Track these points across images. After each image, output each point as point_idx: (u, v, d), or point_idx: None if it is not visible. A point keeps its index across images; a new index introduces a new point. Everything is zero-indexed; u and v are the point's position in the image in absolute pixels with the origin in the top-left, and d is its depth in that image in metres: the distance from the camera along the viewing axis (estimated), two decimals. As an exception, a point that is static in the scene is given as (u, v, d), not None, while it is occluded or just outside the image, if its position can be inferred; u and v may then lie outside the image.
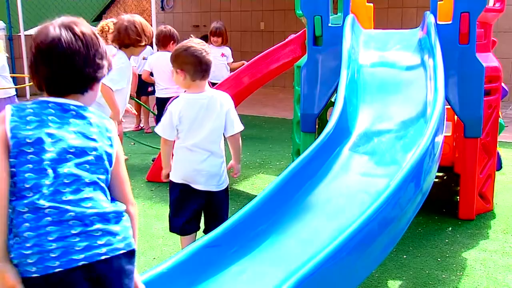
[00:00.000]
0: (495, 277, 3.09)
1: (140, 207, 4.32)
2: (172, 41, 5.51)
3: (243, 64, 5.72)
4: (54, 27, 1.58)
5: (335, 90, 3.57)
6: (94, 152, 1.55)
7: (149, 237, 3.72)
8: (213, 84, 5.85)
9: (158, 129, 2.97)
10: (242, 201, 4.19)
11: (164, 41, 5.61)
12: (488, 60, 3.91)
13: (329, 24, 3.90)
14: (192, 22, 13.02)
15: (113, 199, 1.60)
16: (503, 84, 4.14)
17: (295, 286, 1.90)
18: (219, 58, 6.85)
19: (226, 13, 12.44)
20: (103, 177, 1.57)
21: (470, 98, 3.70)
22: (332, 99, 4.18)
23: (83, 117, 1.59)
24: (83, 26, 1.62)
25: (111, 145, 1.61)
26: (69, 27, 1.58)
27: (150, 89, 6.99)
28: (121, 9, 13.91)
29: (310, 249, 2.17)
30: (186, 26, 13.21)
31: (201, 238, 2.29)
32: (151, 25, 9.24)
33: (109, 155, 1.59)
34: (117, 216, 1.57)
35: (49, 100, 1.59)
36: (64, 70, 1.57)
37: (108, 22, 5.52)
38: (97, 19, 13.86)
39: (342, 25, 3.74)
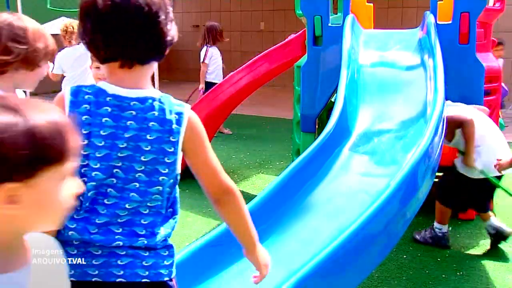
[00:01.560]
0: (494, 277, 3.09)
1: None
2: None
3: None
4: None
5: (335, 90, 3.57)
6: (142, 168, 1.37)
7: (149, 237, 3.72)
8: (213, 84, 5.87)
9: None
10: (242, 201, 4.18)
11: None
12: (488, 60, 3.91)
13: (329, 24, 3.90)
14: (192, 22, 13.02)
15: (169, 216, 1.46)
16: (503, 84, 4.15)
17: (295, 286, 1.90)
18: (220, 59, 6.86)
19: (226, 13, 12.45)
20: (158, 187, 1.39)
21: (470, 98, 3.70)
22: (332, 99, 4.17)
23: (143, 120, 1.36)
24: None
25: (171, 145, 1.38)
26: None
27: None
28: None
29: (310, 249, 2.17)
30: (186, 26, 13.21)
31: (201, 238, 2.30)
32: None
33: (166, 163, 1.39)
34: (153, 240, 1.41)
35: (107, 91, 1.36)
36: (148, 30, 1.34)
37: (72, 22, 5.30)
38: (97, 19, 13.85)
39: (342, 25, 3.74)
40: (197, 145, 1.44)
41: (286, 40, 5.32)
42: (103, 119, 1.35)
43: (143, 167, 1.37)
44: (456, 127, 3.23)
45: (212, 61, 6.76)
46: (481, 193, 3.38)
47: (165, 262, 1.44)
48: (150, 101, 1.37)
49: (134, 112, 1.36)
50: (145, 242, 1.39)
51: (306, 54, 4.05)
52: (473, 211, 3.90)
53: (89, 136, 1.35)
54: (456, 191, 3.41)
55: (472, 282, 3.04)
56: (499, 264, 3.24)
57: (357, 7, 4.01)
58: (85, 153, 1.35)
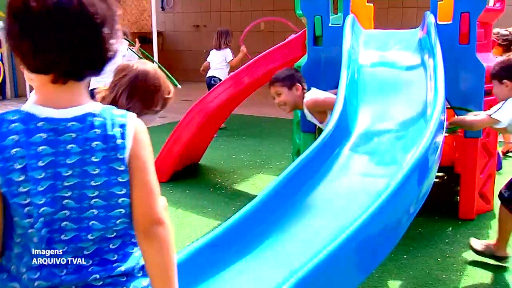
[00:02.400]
0: (495, 277, 3.09)
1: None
2: None
3: None
4: None
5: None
6: (96, 193, 1.24)
7: (149, 237, 3.72)
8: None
9: None
10: (242, 201, 4.19)
11: None
12: (488, 60, 3.91)
13: (329, 24, 3.90)
14: (192, 22, 13.03)
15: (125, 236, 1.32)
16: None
17: (295, 286, 1.89)
18: None
19: (226, 13, 12.45)
20: (119, 210, 1.27)
21: (470, 98, 3.70)
22: (332, 99, 4.17)
23: (85, 141, 1.22)
24: None
25: (120, 163, 1.24)
26: None
27: None
28: (121, 9, 13.91)
29: (310, 249, 2.16)
30: (186, 26, 13.21)
31: (201, 238, 2.30)
32: (151, 25, 9.25)
33: (120, 184, 1.25)
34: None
35: (38, 115, 1.20)
36: (89, 43, 1.18)
37: None
38: (97, 19, 13.86)
39: (342, 25, 3.74)
40: (140, 159, 1.27)
41: (286, 40, 5.32)
42: (39, 148, 1.19)
43: (96, 192, 1.23)
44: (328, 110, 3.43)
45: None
46: None
47: (143, 283, 1.34)
48: (89, 118, 1.23)
49: (73, 134, 1.21)
50: (123, 269, 1.29)
51: (306, 54, 4.05)
52: (473, 210, 3.90)
53: (25, 170, 1.18)
54: None
55: (472, 282, 3.04)
56: (499, 264, 3.24)
57: (357, 7, 4.01)
58: (25, 190, 1.18)
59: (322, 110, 3.49)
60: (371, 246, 2.24)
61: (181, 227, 3.87)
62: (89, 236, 1.25)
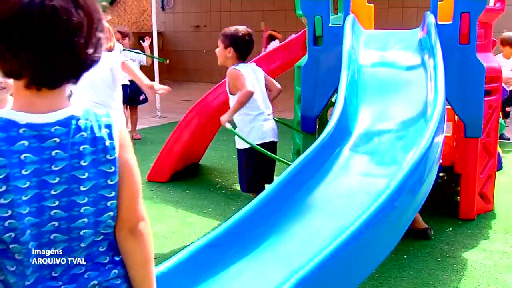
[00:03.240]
0: (495, 277, 3.09)
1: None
2: None
3: None
4: None
5: (335, 90, 3.57)
6: (86, 200, 1.20)
7: (149, 237, 3.72)
8: None
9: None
10: (242, 201, 4.19)
11: None
12: (488, 60, 3.91)
13: (330, 24, 3.89)
14: (192, 22, 13.03)
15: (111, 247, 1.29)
16: (503, 84, 4.15)
17: (295, 286, 1.90)
18: None
19: (226, 13, 12.45)
20: (109, 213, 1.24)
21: (470, 98, 3.70)
22: (332, 99, 4.17)
23: (72, 145, 1.18)
24: None
25: (110, 164, 1.22)
26: None
27: (142, 97, 6.84)
28: (121, 9, 13.92)
29: (310, 250, 2.17)
30: (186, 26, 13.22)
31: (201, 238, 2.30)
32: (151, 25, 9.26)
33: (110, 186, 1.22)
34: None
35: (19, 122, 1.14)
36: (62, 52, 1.12)
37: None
38: (97, 19, 13.86)
39: (342, 25, 3.74)
40: (127, 158, 1.26)
41: (287, 40, 5.32)
42: (22, 156, 1.13)
43: (86, 199, 1.19)
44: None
45: None
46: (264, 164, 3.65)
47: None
48: (74, 121, 1.18)
49: (57, 140, 1.16)
50: (116, 271, 1.27)
51: (307, 54, 4.05)
52: (473, 210, 3.90)
53: (7, 179, 1.12)
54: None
55: (472, 282, 3.04)
56: (500, 264, 3.24)
57: (358, 7, 4.01)
58: (6, 201, 1.12)
59: (236, 85, 3.63)
60: (371, 246, 2.24)
61: (182, 227, 3.87)
62: (81, 245, 1.22)
